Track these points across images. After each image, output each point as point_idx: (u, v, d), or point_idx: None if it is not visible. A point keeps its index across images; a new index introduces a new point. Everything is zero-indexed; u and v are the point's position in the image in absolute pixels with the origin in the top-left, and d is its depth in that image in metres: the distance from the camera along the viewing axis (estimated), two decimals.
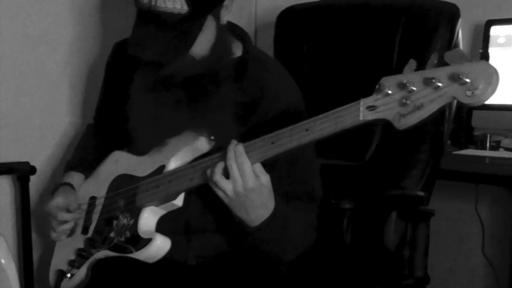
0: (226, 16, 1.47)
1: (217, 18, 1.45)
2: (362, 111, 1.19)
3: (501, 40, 2.14)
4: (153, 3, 1.37)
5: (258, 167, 1.32)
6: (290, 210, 1.44)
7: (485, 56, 2.13)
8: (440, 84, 1.11)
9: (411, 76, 1.15)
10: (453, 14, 1.81)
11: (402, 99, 1.14)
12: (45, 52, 2.13)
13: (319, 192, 1.55)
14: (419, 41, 1.81)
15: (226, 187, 1.32)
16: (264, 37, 2.46)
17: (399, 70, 1.82)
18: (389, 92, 1.16)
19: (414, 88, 1.13)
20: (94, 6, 2.21)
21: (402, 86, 1.14)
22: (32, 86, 2.12)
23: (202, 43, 1.43)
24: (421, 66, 1.17)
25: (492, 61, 2.11)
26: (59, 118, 2.20)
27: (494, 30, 2.15)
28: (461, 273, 2.45)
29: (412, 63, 1.18)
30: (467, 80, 1.09)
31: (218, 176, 1.33)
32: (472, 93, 1.08)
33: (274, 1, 2.41)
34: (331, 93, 1.94)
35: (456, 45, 1.81)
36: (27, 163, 2.07)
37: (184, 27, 1.39)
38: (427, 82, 1.12)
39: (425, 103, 1.13)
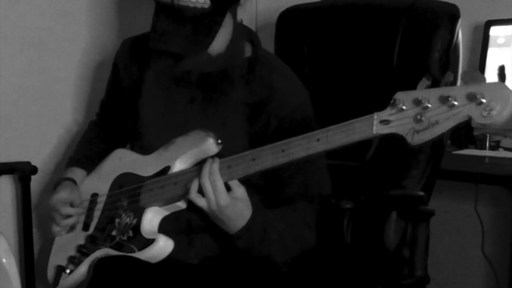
0: (242, 14, 1.50)
1: (234, 15, 1.48)
2: (375, 125, 1.20)
3: (500, 41, 2.15)
4: None
5: (235, 181, 1.36)
6: (281, 215, 1.47)
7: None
8: (456, 103, 1.12)
9: (427, 93, 1.16)
10: (453, 15, 1.81)
11: (417, 115, 1.16)
12: (47, 52, 2.14)
13: (327, 186, 1.57)
14: (419, 42, 1.82)
15: (201, 204, 1.38)
16: (265, 38, 2.46)
17: (399, 71, 1.82)
18: (404, 107, 1.17)
19: (429, 105, 1.14)
20: (99, 6, 2.22)
21: (417, 102, 1.16)
22: (33, 86, 2.13)
23: (220, 40, 1.46)
24: (434, 84, 1.18)
25: (492, 61, 2.14)
26: (61, 118, 2.20)
27: (494, 31, 2.16)
28: (461, 272, 2.46)
29: (425, 81, 1.20)
30: (484, 100, 1.10)
31: (193, 194, 1.38)
32: (488, 113, 1.09)
33: (275, 1, 2.42)
34: (331, 93, 1.95)
35: (457, 46, 1.81)
36: (29, 163, 2.08)
37: (206, 22, 1.41)
38: (443, 100, 1.13)
39: (440, 120, 1.14)
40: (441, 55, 1.78)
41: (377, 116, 1.20)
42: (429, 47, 1.79)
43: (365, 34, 1.92)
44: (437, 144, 1.79)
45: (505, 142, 2.12)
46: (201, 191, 1.38)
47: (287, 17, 2.09)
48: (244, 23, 1.57)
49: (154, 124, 1.54)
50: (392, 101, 1.19)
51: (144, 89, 1.56)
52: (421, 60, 1.79)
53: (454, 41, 1.79)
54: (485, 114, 1.10)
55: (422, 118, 1.15)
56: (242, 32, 1.55)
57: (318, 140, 1.27)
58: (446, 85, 1.18)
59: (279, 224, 1.47)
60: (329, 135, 1.26)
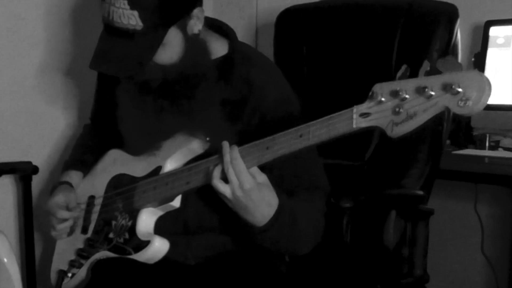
0: (197, 26, 1.45)
1: (183, 30, 1.43)
2: (355, 118, 1.18)
3: (500, 41, 2.15)
4: (110, 17, 1.37)
5: (254, 168, 1.32)
6: (298, 202, 1.43)
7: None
8: (432, 93, 1.10)
9: (404, 84, 1.13)
10: (452, 15, 1.82)
11: (395, 107, 1.13)
12: (44, 54, 2.15)
13: (324, 180, 1.54)
14: (418, 42, 1.82)
15: (225, 191, 1.32)
16: (265, 38, 2.47)
17: (398, 71, 1.82)
18: (382, 99, 1.15)
19: (407, 96, 1.12)
20: (91, 11, 2.22)
21: (395, 94, 1.13)
22: (34, 86, 2.13)
23: (167, 55, 1.42)
24: (413, 73, 1.16)
25: (492, 61, 2.14)
26: (59, 118, 2.21)
27: (493, 31, 2.16)
28: (460, 272, 2.46)
29: (404, 69, 1.17)
30: (459, 89, 1.07)
31: (216, 180, 1.33)
32: (465, 103, 1.07)
33: (275, 1, 2.42)
34: (331, 94, 1.95)
35: (455, 46, 1.81)
36: (30, 162, 2.08)
37: (141, 42, 1.38)
38: (420, 91, 1.11)
39: (418, 112, 1.11)
40: (439, 55, 1.78)
41: (356, 110, 1.18)
42: (428, 47, 1.79)
43: (364, 34, 1.93)
44: (436, 143, 1.80)
45: (505, 142, 2.12)
46: (224, 179, 1.33)
47: (287, 17, 2.09)
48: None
49: (135, 133, 1.52)
50: (370, 94, 1.17)
51: (119, 100, 1.54)
52: (420, 60, 1.79)
53: (453, 41, 1.79)
54: (461, 104, 1.07)
55: (401, 110, 1.13)
56: (199, 42, 1.48)
57: (301, 135, 1.25)
58: (423, 74, 1.15)
59: (300, 212, 1.42)
60: (311, 130, 1.24)
